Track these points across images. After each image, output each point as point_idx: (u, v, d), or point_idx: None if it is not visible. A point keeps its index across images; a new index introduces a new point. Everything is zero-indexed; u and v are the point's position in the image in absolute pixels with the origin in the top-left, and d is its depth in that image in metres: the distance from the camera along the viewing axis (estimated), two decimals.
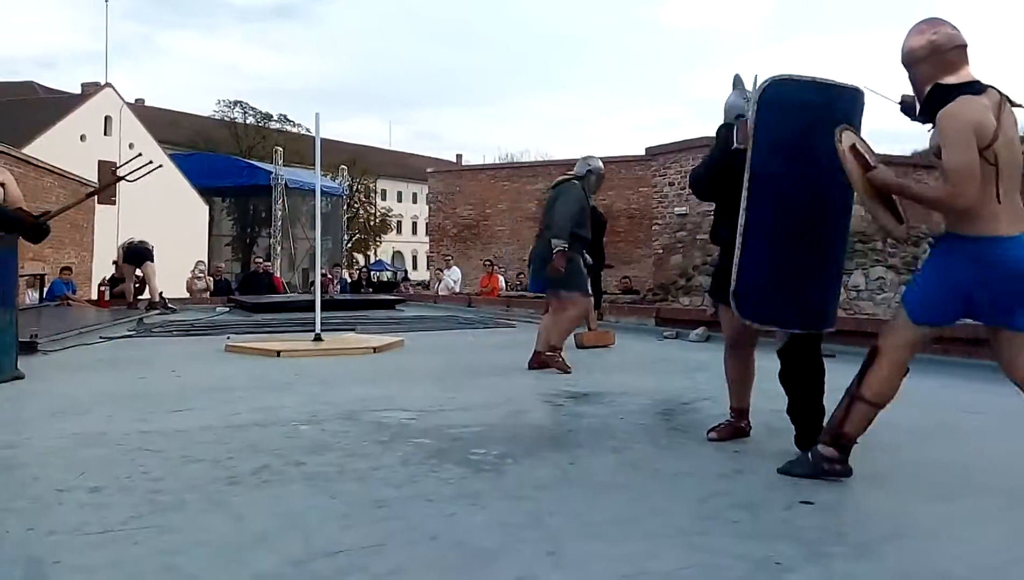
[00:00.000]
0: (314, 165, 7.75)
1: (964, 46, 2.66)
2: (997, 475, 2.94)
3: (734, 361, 3.41)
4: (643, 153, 16.49)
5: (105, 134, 28.18)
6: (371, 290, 17.19)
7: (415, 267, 62.63)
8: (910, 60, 2.70)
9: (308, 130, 35.38)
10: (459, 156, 56.35)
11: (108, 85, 30.07)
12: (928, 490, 2.76)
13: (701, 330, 7.83)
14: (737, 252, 3.04)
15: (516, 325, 9.96)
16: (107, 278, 13.11)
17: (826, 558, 2.13)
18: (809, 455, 2.80)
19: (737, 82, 3.42)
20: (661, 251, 12.97)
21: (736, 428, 3.41)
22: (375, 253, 52.36)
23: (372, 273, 31.15)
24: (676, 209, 12.65)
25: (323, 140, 7.56)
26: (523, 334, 8.74)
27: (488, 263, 16.85)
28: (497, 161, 27.28)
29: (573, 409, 4.28)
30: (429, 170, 26.86)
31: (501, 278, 16.72)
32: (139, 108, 36.17)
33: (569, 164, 7.11)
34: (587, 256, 6.70)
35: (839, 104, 3.01)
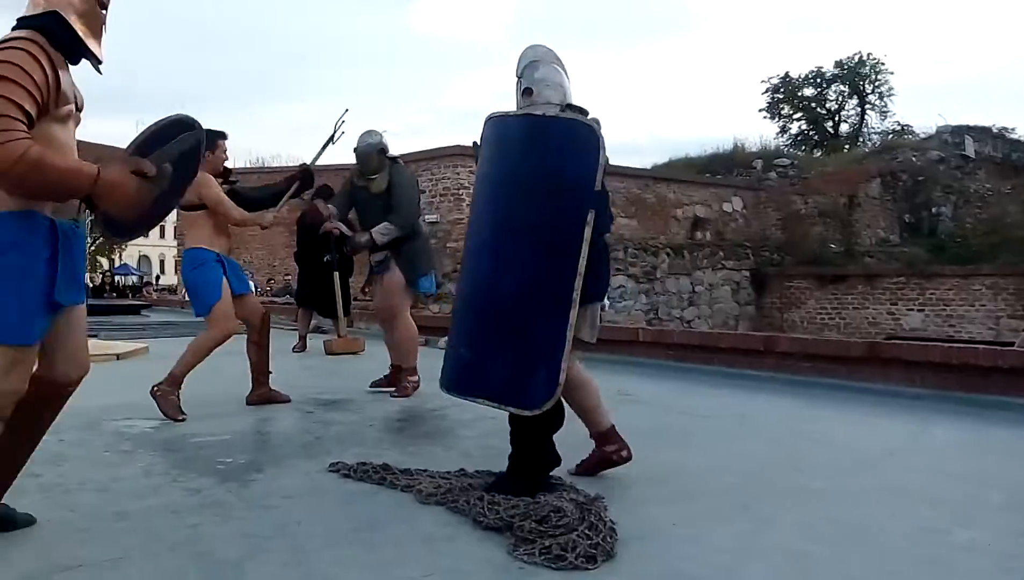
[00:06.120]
0: None
1: None
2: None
3: None
4: None
5: None
6: (115, 295, 16.04)
7: (163, 271, 59.90)
8: None
9: None
10: None
11: None
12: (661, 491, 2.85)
13: None
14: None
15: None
16: None
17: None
18: None
19: None
20: None
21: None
22: (119, 257, 48.86)
23: (116, 277, 29.06)
24: (428, 217, 12.91)
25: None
26: (275, 339, 8.48)
27: None
28: (248, 165, 26.24)
29: (322, 416, 4.38)
30: None
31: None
32: None
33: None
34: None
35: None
